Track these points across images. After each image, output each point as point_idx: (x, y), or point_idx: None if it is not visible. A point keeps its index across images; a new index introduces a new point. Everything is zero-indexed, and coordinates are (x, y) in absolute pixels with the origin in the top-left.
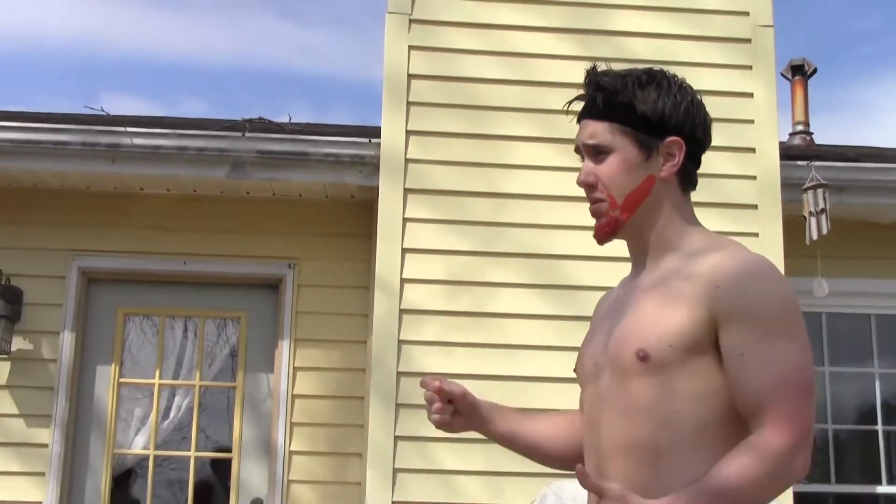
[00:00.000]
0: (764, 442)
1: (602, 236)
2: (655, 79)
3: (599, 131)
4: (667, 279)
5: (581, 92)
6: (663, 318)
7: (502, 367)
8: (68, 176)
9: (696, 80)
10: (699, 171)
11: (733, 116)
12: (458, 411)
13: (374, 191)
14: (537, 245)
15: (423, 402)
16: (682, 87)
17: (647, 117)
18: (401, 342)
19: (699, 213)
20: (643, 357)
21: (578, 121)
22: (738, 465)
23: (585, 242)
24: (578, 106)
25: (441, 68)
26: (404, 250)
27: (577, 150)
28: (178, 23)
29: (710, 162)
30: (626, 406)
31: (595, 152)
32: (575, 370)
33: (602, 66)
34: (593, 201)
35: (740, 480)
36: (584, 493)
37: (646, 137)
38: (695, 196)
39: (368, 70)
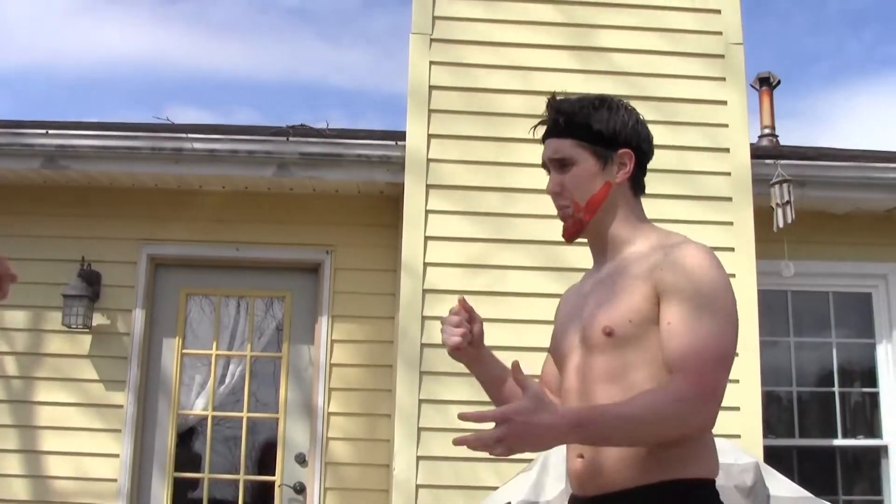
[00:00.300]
0: (673, 388)
1: (569, 236)
2: (606, 102)
3: (563, 147)
4: (625, 267)
5: (544, 117)
6: (622, 298)
7: (511, 339)
8: (138, 176)
9: (678, 90)
10: (683, 169)
11: (710, 121)
12: (473, 341)
13: (401, 187)
14: (542, 233)
15: (444, 370)
16: (628, 109)
17: (602, 133)
18: (424, 318)
19: (681, 205)
20: (609, 333)
21: (543, 140)
22: (644, 400)
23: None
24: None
25: (458, 80)
26: (427, 238)
27: (543, 166)
28: (232, 44)
29: (690, 160)
30: (597, 375)
31: (560, 165)
32: (550, 350)
33: (560, 96)
34: (560, 208)
35: (643, 411)
36: None
37: (602, 150)
38: (677, 190)
39: (395, 83)
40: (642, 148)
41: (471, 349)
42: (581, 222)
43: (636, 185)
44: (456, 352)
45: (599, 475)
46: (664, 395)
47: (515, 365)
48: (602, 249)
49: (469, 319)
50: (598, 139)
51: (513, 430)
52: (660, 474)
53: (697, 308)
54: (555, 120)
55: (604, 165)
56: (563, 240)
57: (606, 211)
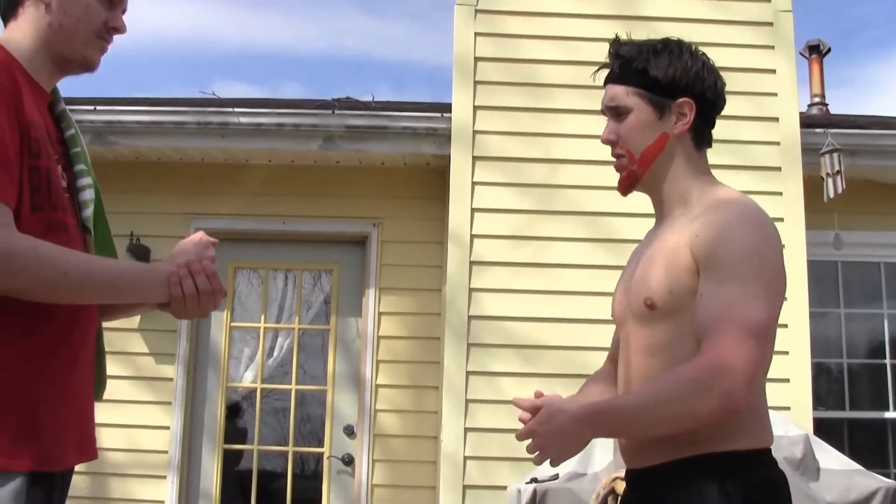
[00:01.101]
0: (688, 368)
1: (622, 188)
2: (668, 47)
3: (618, 94)
4: (673, 231)
5: (606, 61)
6: (664, 267)
7: (556, 310)
8: (186, 151)
9: (725, 59)
10: (732, 139)
11: (758, 90)
12: None
13: (447, 159)
14: (586, 204)
15: (492, 342)
16: (694, 54)
17: (659, 80)
18: (471, 290)
19: (730, 175)
20: (650, 305)
21: (604, 86)
22: (656, 388)
23: (627, 201)
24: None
25: (503, 51)
26: (473, 210)
27: (602, 113)
28: (277, 19)
29: (738, 130)
30: (644, 347)
31: (616, 113)
32: (612, 314)
33: (624, 37)
34: (616, 157)
35: (654, 401)
36: None
37: (658, 99)
38: (726, 160)
39: (440, 55)
40: (707, 97)
41: None
42: (635, 174)
43: (699, 137)
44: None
45: (644, 448)
46: (678, 377)
47: (538, 395)
48: (659, 206)
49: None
50: (655, 87)
51: (537, 443)
52: (705, 446)
53: (727, 276)
54: (612, 65)
55: (661, 115)
56: (608, 210)
57: (662, 164)
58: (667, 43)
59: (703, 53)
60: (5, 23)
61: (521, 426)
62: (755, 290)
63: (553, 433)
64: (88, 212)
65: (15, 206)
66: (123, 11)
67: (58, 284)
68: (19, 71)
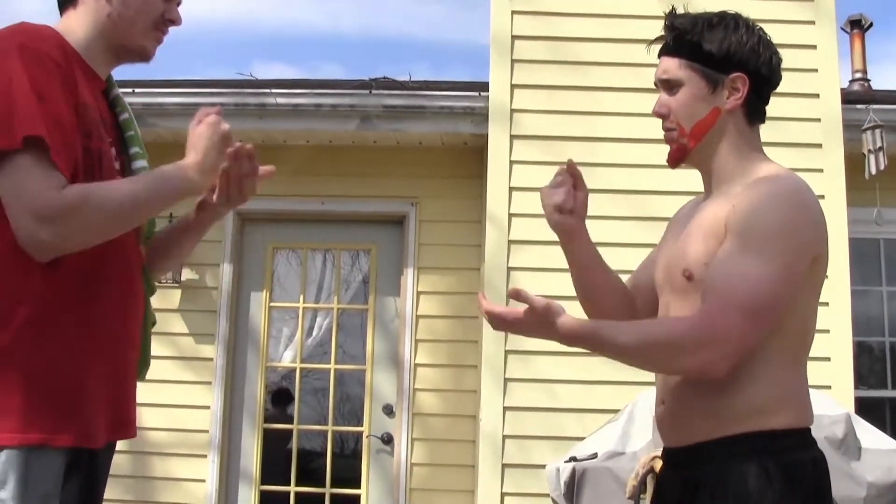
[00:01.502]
0: (680, 323)
1: (671, 161)
2: (724, 20)
3: (671, 67)
4: (716, 205)
5: (661, 33)
6: (703, 240)
7: None
8: None
9: (770, 33)
10: (772, 115)
11: (799, 66)
12: (574, 210)
13: (484, 138)
14: (626, 182)
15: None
16: (751, 29)
17: (713, 54)
18: (509, 269)
19: (770, 152)
20: (689, 276)
21: (658, 58)
22: (642, 331)
23: (668, 179)
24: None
25: (540, 29)
26: (511, 189)
27: (655, 85)
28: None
29: (778, 106)
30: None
31: (668, 86)
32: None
33: (680, 9)
34: (666, 130)
35: (636, 344)
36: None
37: (712, 73)
38: (766, 136)
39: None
40: (761, 73)
41: (571, 219)
42: (685, 148)
43: (752, 113)
44: (556, 215)
45: (678, 425)
46: (664, 328)
47: (512, 292)
48: (707, 181)
49: (574, 186)
50: (708, 60)
51: (512, 330)
52: (744, 425)
53: (744, 246)
54: (666, 37)
55: (713, 89)
56: (648, 188)
57: (713, 139)
58: (723, 16)
59: (760, 28)
60: (62, 11)
61: (561, 404)
62: (769, 267)
63: (531, 332)
64: None
65: (70, 178)
66: (178, 4)
67: (118, 215)
68: (73, 56)
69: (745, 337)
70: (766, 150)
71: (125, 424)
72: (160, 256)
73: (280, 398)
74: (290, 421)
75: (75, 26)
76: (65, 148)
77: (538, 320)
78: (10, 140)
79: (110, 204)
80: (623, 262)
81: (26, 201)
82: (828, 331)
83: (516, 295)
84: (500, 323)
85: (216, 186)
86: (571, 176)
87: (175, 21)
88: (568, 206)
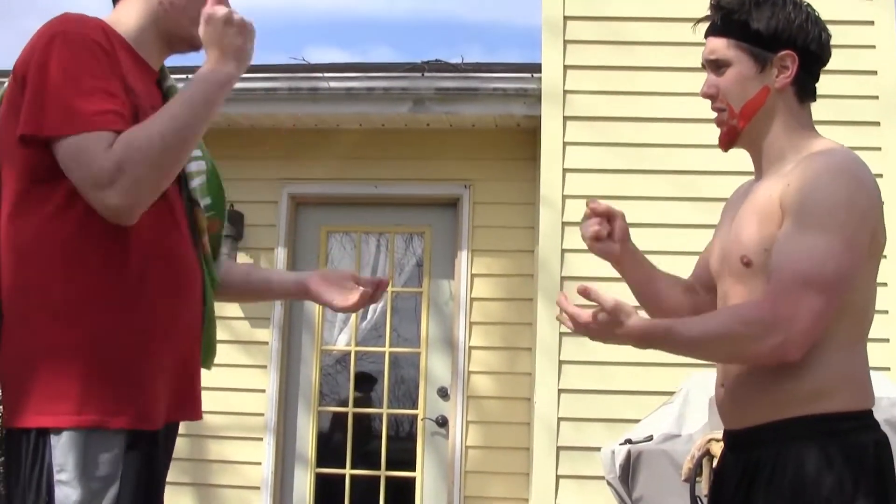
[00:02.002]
0: (747, 307)
1: (723, 144)
2: None
3: (719, 47)
4: (768, 186)
5: (708, 13)
6: (758, 224)
7: None
8: (277, 117)
9: (821, 10)
10: (827, 94)
11: (855, 43)
12: (612, 234)
13: (537, 119)
14: (679, 162)
15: (586, 302)
16: (798, 6)
17: (761, 33)
18: (563, 251)
19: (826, 130)
20: (746, 263)
21: (705, 38)
22: (714, 322)
23: (721, 159)
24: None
25: (592, 9)
26: (565, 170)
27: (703, 66)
28: None
29: (834, 84)
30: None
31: (716, 66)
32: (711, 267)
33: None
34: (716, 111)
35: (707, 336)
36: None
37: (760, 51)
38: (822, 115)
39: (529, 15)
40: (810, 49)
41: (614, 245)
42: (735, 129)
43: (803, 90)
44: (597, 245)
45: (738, 407)
46: (734, 317)
47: (582, 289)
48: (758, 162)
49: (607, 218)
50: (756, 39)
51: (586, 334)
52: (804, 407)
53: (803, 224)
54: (713, 17)
55: (762, 68)
56: (700, 169)
57: (763, 119)
58: None
59: (809, 5)
60: (115, 2)
61: (616, 386)
62: (831, 242)
63: (603, 335)
64: (194, 183)
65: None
66: None
67: (170, 140)
68: (121, 44)
69: (818, 316)
70: (822, 128)
71: (188, 406)
72: (239, 292)
73: (364, 381)
74: (378, 405)
75: (127, 16)
76: (105, 108)
77: (607, 320)
78: (57, 127)
79: (153, 136)
80: (675, 243)
81: (84, 176)
82: (886, 311)
83: (585, 292)
84: (575, 325)
85: (319, 279)
86: (597, 214)
87: None
88: (604, 234)
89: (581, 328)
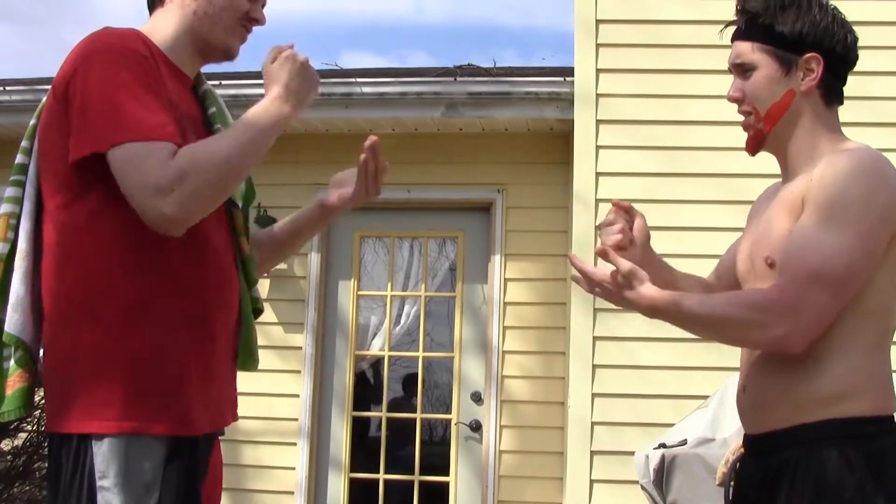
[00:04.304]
0: (756, 294)
1: (750, 148)
2: (797, 1)
3: (744, 51)
4: (797, 184)
5: (734, 18)
6: (784, 225)
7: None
8: (310, 122)
9: (858, 12)
10: (861, 95)
11: (888, 44)
12: (634, 241)
13: (570, 123)
14: (717, 165)
15: (619, 308)
16: (824, 8)
17: (786, 36)
18: (597, 254)
19: (861, 132)
20: (770, 264)
21: (731, 43)
22: (720, 302)
23: (757, 162)
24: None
25: (625, 12)
26: (598, 174)
27: (729, 70)
28: None
29: (873, 85)
30: None
31: (742, 70)
32: (736, 270)
33: None
34: (743, 115)
35: (712, 314)
36: None
37: (785, 54)
38: (857, 117)
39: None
40: (836, 51)
41: (636, 252)
42: (761, 133)
43: (829, 93)
44: (620, 252)
45: (759, 411)
46: (740, 300)
47: (600, 250)
48: (784, 165)
49: (628, 217)
50: (781, 42)
51: (604, 297)
52: (826, 411)
53: (819, 217)
54: (738, 21)
55: (787, 71)
56: (737, 171)
57: (789, 122)
58: None
59: (834, 7)
60: (151, 11)
61: (650, 390)
62: (843, 238)
63: (614, 297)
64: None
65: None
66: (263, 5)
67: (228, 166)
68: (159, 56)
69: (822, 309)
70: (856, 130)
71: (227, 413)
72: (273, 252)
73: (398, 386)
74: (412, 409)
75: (162, 25)
76: (165, 121)
77: (622, 283)
78: (116, 136)
79: (218, 156)
80: (713, 246)
81: (144, 180)
82: None
83: (604, 254)
84: (588, 282)
85: (334, 189)
86: (623, 211)
87: (259, 21)
88: (626, 243)
89: (595, 286)
